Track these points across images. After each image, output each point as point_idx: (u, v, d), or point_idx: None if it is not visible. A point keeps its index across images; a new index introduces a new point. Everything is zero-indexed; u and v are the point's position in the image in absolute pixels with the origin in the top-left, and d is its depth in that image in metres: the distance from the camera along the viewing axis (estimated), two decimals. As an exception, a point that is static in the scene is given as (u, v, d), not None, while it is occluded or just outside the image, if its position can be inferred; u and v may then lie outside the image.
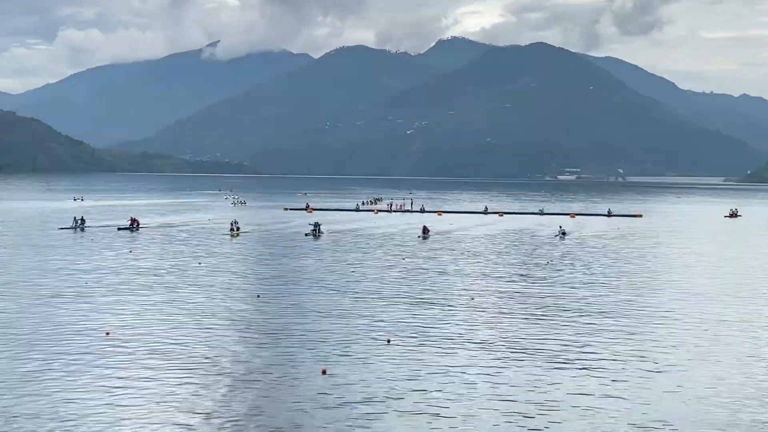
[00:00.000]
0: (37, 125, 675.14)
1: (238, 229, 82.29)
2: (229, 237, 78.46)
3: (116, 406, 21.98)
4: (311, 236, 79.07)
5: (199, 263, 55.97)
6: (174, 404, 22.23)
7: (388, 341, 30.61)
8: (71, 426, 20.37)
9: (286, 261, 59.36)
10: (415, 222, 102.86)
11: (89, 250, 64.16)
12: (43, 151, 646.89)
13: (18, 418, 20.75)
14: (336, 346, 29.69)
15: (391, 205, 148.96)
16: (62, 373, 25.23)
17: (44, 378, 24.64)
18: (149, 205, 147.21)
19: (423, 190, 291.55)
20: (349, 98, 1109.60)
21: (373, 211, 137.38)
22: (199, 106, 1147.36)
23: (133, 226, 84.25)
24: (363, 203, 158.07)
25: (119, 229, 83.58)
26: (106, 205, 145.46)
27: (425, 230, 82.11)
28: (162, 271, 51.88)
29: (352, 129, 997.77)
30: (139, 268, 53.14)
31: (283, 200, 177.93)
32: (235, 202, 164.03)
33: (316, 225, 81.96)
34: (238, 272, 52.19)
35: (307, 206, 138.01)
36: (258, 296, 41.44)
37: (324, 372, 25.71)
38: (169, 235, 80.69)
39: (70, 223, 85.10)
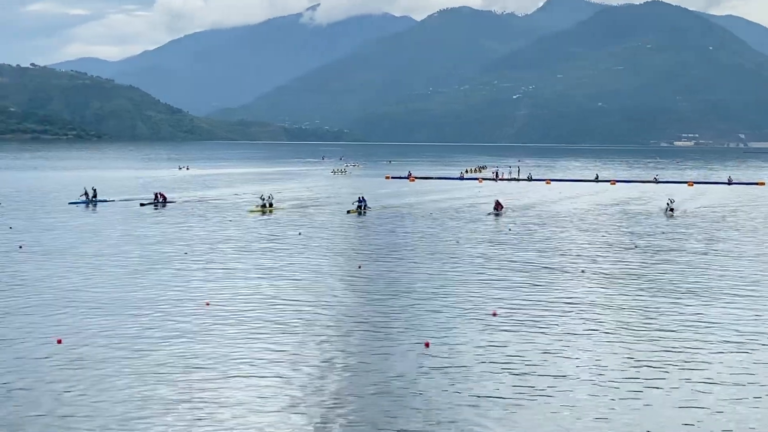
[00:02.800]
0: (136, 93, 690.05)
1: (270, 204, 72.57)
2: (257, 213, 70.21)
3: (220, 378, 22.06)
4: (355, 213, 70.87)
5: (300, 233, 55.48)
6: (275, 374, 22.23)
7: (494, 314, 29.79)
8: (178, 394, 20.55)
9: (385, 232, 58.74)
10: (517, 192, 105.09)
11: (179, 221, 65.28)
12: (141, 119, 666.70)
13: (127, 389, 21.06)
14: (440, 319, 29.09)
15: (497, 173, 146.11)
16: (165, 342, 25.58)
17: (146, 347, 25.00)
18: (250, 174, 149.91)
19: (530, 158, 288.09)
20: (453, 62, 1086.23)
21: (477, 179, 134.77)
22: (298, 72, 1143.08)
23: (158, 201, 77.85)
24: (467, 171, 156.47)
25: (142, 204, 76.84)
26: (212, 174, 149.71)
27: (498, 205, 72.58)
28: (262, 239, 52.55)
29: (455, 94, 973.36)
30: (233, 238, 54.22)
31: (384, 169, 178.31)
32: (336, 170, 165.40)
33: (361, 201, 73.20)
34: (338, 242, 51.97)
35: (409, 174, 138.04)
36: (359, 267, 41.04)
37: (427, 345, 25.25)
38: (281, 204, 78.73)
39: (83, 197, 79.05)
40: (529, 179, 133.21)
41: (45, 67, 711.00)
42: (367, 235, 56.07)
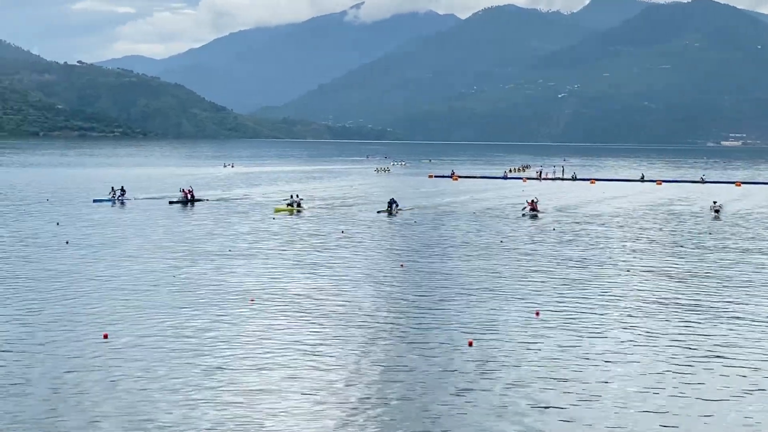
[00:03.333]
0: (181, 91, 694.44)
1: (299, 204, 70.92)
2: (284, 212, 68.96)
3: (264, 374, 22.25)
4: (385, 213, 69.27)
5: (342, 231, 55.51)
6: (318, 371, 22.28)
7: (537, 314, 29.63)
8: (223, 388, 20.67)
9: (427, 230, 58.78)
10: (561, 191, 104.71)
11: (224, 218, 66.34)
12: (186, 117, 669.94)
13: (174, 380, 21.33)
14: (483, 318, 29.03)
15: (540, 172, 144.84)
16: (210, 337, 25.85)
17: (191, 342, 25.33)
18: (294, 172, 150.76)
19: (574, 157, 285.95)
20: (497, 60, 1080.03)
21: (521, 179, 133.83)
22: (342, 71, 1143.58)
23: (187, 198, 76.68)
24: (511, 170, 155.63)
25: (171, 203, 75.91)
26: (256, 171, 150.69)
27: (533, 206, 69.29)
28: (305, 237, 52.88)
29: (499, 93, 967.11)
30: (277, 234, 54.67)
31: (428, 167, 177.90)
32: (379, 168, 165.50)
33: (392, 202, 71.26)
34: (379, 241, 52.14)
35: (453, 173, 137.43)
36: (402, 266, 40.94)
37: (471, 343, 25.19)
38: (314, 202, 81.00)
39: (108, 194, 77.84)
40: (574, 179, 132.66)
41: (92, 64, 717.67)
42: (409, 233, 55.96)
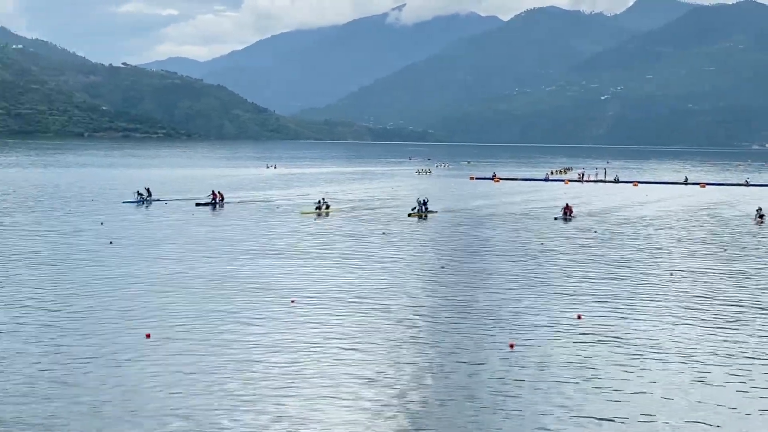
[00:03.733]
0: (224, 93, 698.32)
1: (327, 207, 70.46)
2: (311, 215, 68.18)
3: (305, 376, 22.33)
4: (416, 217, 67.92)
5: (383, 233, 55.62)
6: (358, 374, 22.31)
7: (579, 317, 29.44)
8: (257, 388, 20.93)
9: (469, 232, 58.92)
10: (604, 193, 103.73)
11: (258, 219, 66.84)
12: (229, 118, 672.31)
13: (214, 377, 21.59)
14: (525, 321, 28.89)
15: (582, 174, 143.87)
16: (251, 338, 26.15)
17: (233, 344, 25.61)
18: (335, 173, 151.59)
19: (617, 160, 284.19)
20: (539, 62, 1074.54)
21: (563, 181, 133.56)
22: (383, 72, 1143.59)
23: (215, 200, 76.04)
24: (552, 173, 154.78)
25: (197, 204, 75.38)
26: (299, 172, 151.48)
27: (567, 209, 68.57)
28: (344, 238, 53.23)
29: (541, 95, 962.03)
30: (317, 235, 54.99)
31: (468, 169, 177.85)
32: (420, 171, 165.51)
33: (422, 203, 69.98)
34: (422, 242, 52.12)
35: (494, 175, 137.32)
36: (443, 267, 40.88)
37: (512, 346, 25.14)
38: (351, 204, 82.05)
39: (134, 197, 77.93)
40: (616, 181, 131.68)
41: (136, 66, 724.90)
42: (449, 235, 55.97)
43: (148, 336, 25.41)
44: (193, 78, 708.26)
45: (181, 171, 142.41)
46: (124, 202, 75.91)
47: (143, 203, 75.59)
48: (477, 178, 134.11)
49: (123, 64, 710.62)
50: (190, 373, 21.85)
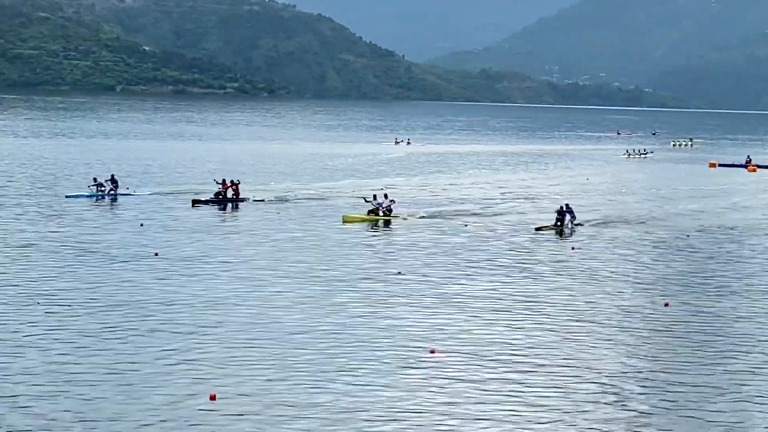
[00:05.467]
0: (327, 26, 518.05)
1: (388, 212, 54.61)
2: (356, 221, 53.61)
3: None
4: (551, 230, 53.77)
5: (573, 248, 48.64)
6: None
7: None
8: None
9: (708, 251, 49.02)
10: None
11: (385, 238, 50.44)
12: (334, 65, 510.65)
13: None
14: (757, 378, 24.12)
15: None
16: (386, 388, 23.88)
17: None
18: (498, 154, 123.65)
19: None
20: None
21: None
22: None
23: (229, 195, 61.54)
24: None
25: (194, 203, 61.06)
26: (442, 152, 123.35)
27: None
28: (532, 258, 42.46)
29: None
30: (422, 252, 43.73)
31: (708, 152, 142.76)
32: (631, 152, 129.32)
33: (563, 212, 54.71)
34: (637, 266, 42.90)
35: (748, 161, 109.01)
36: (666, 305, 34.57)
37: None
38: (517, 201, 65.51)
39: (90, 189, 63.56)
40: None
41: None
42: (678, 258, 45.26)
43: (213, 398, 22.09)
44: (281, 3, 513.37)
45: (267, 146, 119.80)
46: (68, 196, 62.71)
47: (101, 197, 63.07)
48: (721, 165, 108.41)
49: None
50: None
